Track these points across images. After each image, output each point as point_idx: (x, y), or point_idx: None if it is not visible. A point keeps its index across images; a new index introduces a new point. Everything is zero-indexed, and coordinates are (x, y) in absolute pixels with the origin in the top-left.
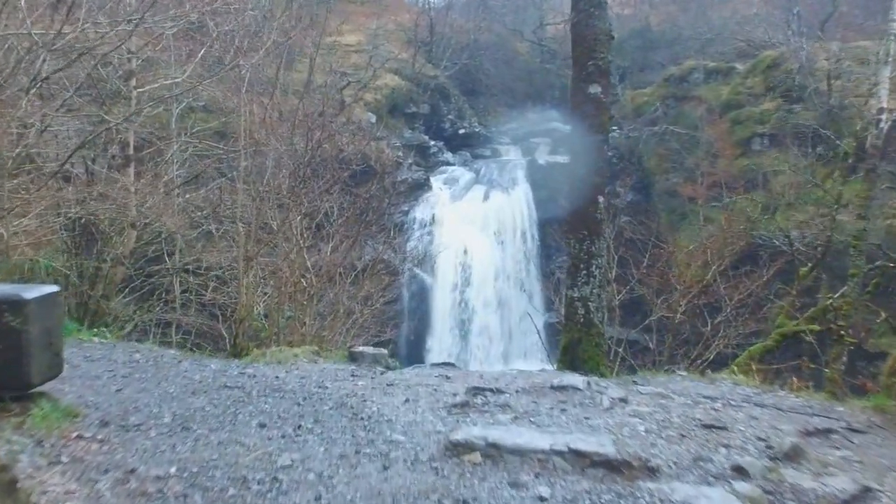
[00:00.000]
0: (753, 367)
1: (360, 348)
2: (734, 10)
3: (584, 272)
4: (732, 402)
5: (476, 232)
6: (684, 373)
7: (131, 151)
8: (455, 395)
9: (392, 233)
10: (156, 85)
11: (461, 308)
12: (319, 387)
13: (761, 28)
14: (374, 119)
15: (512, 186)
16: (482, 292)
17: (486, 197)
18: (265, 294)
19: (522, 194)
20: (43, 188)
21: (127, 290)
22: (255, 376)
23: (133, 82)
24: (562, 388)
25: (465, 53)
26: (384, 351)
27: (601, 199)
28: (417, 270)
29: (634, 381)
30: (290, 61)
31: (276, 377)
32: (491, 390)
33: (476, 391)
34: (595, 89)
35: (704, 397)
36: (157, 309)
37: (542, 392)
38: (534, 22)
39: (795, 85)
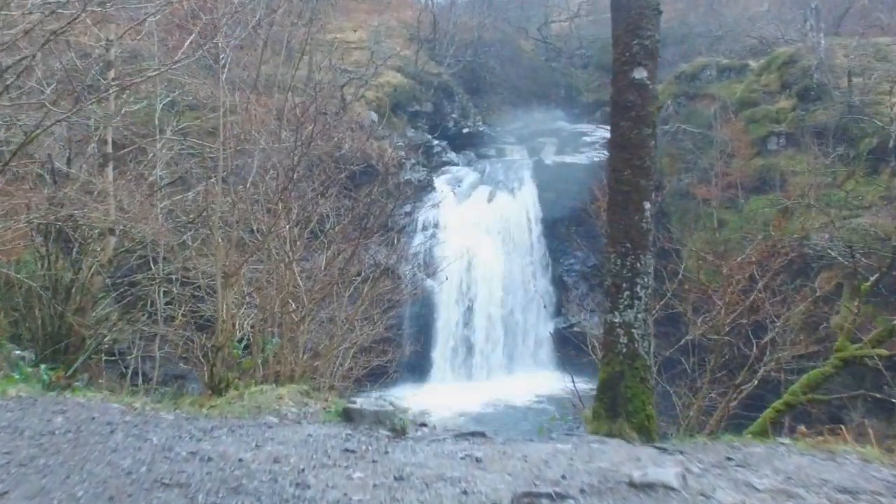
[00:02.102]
0: (871, 433)
1: (359, 403)
2: (745, 7)
3: (628, 293)
4: (881, 499)
5: (481, 234)
6: (787, 440)
7: (110, 150)
8: (495, 503)
9: (396, 239)
10: (139, 80)
11: (466, 314)
12: (297, 484)
13: (773, 24)
14: (375, 117)
15: (518, 187)
16: (488, 298)
17: (491, 198)
18: (250, 314)
19: (529, 195)
20: None
21: (107, 301)
22: (209, 460)
23: (112, 73)
24: (648, 488)
25: (469, 51)
26: (389, 406)
27: (648, 205)
28: (428, 280)
29: (729, 458)
30: (290, 59)
31: (239, 461)
32: (549, 496)
33: (527, 500)
34: (640, 74)
35: (840, 491)
36: (139, 322)
37: (619, 493)
38: (539, 19)
39: (813, 82)
